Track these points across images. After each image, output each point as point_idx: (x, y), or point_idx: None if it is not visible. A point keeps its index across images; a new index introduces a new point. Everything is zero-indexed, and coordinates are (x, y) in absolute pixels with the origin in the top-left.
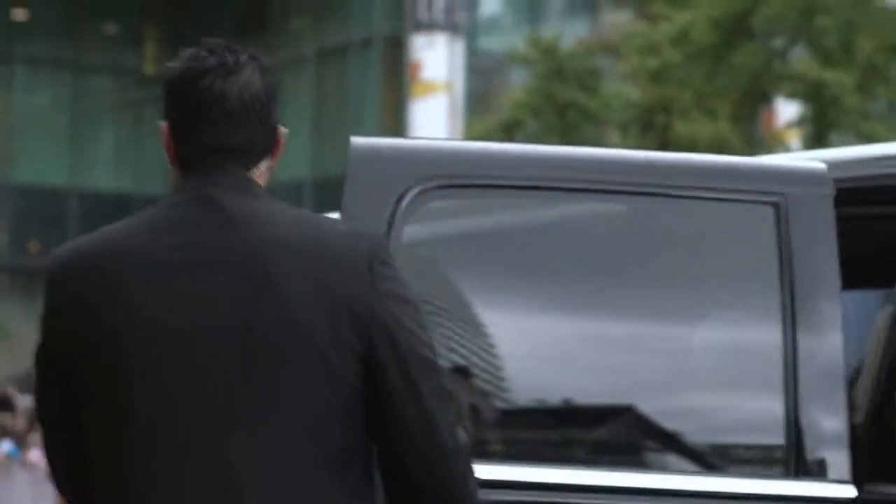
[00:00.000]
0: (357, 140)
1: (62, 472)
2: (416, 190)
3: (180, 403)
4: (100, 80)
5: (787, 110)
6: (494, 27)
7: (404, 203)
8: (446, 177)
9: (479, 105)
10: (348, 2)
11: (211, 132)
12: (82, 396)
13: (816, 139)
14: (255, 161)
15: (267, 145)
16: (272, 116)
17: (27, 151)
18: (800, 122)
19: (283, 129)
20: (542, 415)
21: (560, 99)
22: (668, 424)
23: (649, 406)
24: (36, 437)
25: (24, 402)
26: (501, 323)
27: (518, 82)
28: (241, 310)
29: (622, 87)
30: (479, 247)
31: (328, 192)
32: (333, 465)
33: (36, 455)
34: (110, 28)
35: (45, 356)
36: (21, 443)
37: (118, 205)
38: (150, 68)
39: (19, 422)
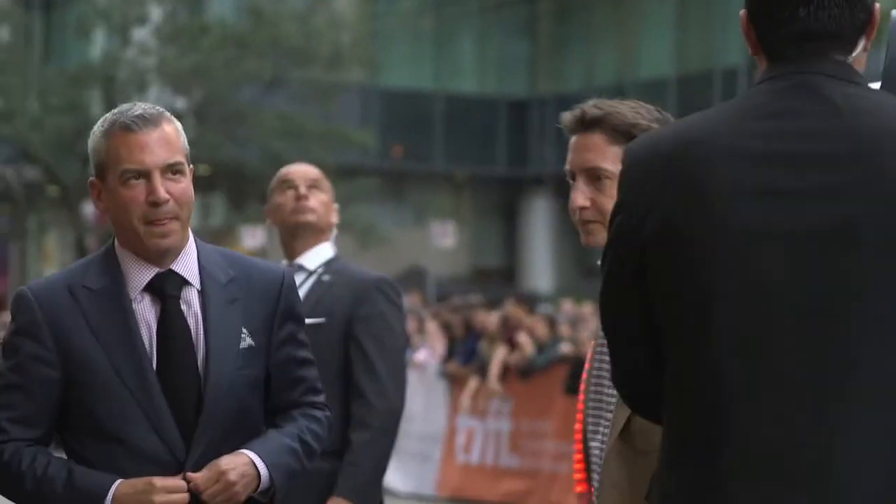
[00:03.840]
0: None
1: (631, 369)
2: None
3: (774, 313)
4: None
5: None
6: None
7: None
8: None
9: None
10: None
11: (798, 18)
12: (658, 295)
13: None
14: (849, 44)
15: (860, 25)
16: None
17: (392, 56)
18: None
19: (877, 6)
20: None
21: None
22: None
23: None
24: (420, 339)
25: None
26: None
27: None
28: (847, 210)
29: None
30: None
31: (692, 89)
32: None
33: (423, 355)
34: None
35: (617, 250)
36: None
37: (483, 107)
38: None
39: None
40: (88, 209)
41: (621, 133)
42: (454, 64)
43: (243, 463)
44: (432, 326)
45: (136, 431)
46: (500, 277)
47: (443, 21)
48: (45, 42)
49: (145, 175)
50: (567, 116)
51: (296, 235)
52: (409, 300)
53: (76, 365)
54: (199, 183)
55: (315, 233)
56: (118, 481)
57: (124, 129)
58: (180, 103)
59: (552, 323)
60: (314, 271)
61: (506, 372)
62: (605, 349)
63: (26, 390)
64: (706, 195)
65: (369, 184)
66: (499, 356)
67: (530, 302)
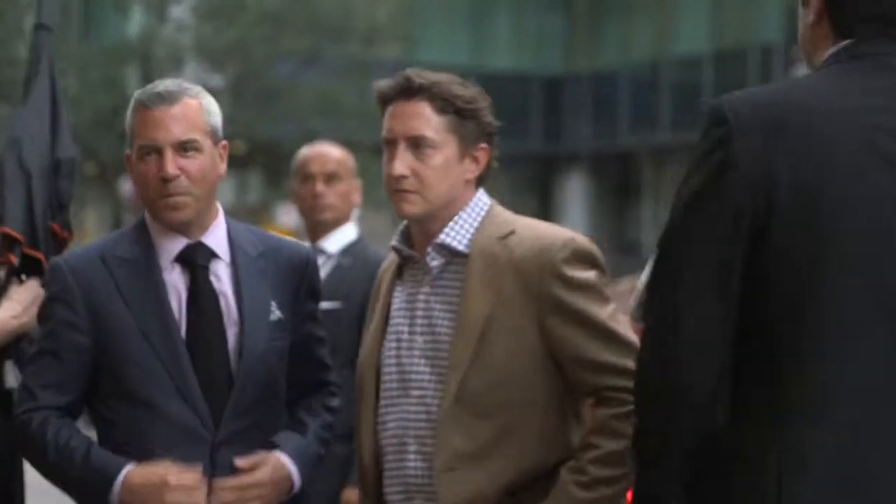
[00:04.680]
0: None
1: (707, 356)
2: None
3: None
4: None
5: None
6: None
7: None
8: None
9: None
10: None
11: (878, 3)
12: (780, 265)
13: None
14: None
15: None
16: None
17: (429, 32)
18: None
19: None
20: None
21: None
22: None
23: None
24: None
25: None
26: None
27: None
28: None
29: None
30: None
31: (728, 66)
32: None
33: None
34: None
35: (719, 212)
36: None
37: (518, 84)
38: None
39: None
40: (126, 186)
41: (448, 103)
42: (490, 40)
43: (283, 477)
44: None
45: (164, 397)
46: None
47: None
48: (84, 18)
49: (157, 151)
50: (386, 83)
51: (315, 228)
52: None
53: (107, 331)
54: (234, 160)
55: (334, 224)
56: (130, 466)
57: (142, 105)
58: (216, 80)
59: None
60: (333, 255)
61: None
62: (406, 325)
63: (57, 356)
64: (834, 166)
65: None
66: None
67: None
